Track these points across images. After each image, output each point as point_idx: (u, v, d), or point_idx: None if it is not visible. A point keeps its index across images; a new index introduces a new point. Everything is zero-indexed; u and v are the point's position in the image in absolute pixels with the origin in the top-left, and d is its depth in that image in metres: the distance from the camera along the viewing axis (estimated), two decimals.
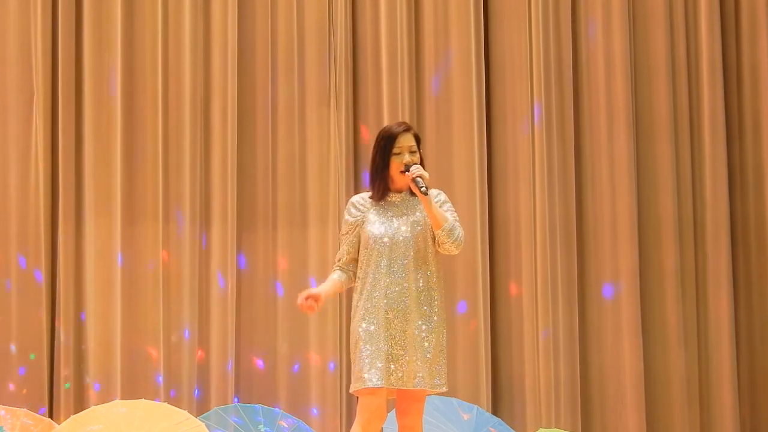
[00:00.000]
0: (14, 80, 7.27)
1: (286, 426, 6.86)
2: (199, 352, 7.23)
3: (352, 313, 5.00)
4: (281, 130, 7.47)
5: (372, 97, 7.53)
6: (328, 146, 7.45)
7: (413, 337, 4.93)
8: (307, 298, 4.94)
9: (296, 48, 7.49)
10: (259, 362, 7.36)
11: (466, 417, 6.93)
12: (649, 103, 7.67)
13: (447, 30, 7.56)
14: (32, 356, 7.15)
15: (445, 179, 7.43)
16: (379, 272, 4.95)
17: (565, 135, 7.53)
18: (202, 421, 6.58)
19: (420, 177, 4.92)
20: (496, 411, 7.36)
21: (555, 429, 7.17)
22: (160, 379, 7.13)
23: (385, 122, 7.37)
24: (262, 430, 6.79)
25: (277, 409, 7.05)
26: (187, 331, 7.20)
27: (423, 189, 4.89)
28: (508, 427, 7.08)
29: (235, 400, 7.21)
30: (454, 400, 7.02)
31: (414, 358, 4.92)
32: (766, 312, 7.66)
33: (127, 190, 7.25)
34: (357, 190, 7.22)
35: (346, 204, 5.13)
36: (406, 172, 4.95)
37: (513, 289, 7.50)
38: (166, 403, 6.68)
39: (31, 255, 7.18)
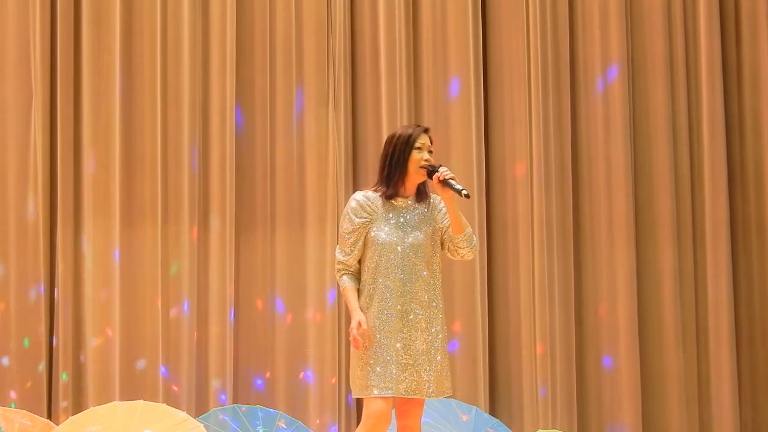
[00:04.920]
0: (13, 81, 7.26)
1: (284, 427, 6.86)
2: (198, 353, 7.22)
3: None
4: (280, 130, 7.47)
5: (370, 98, 7.53)
6: (326, 147, 7.45)
7: (423, 346, 4.94)
8: (360, 334, 4.90)
9: (294, 48, 7.50)
10: (258, 362, 7.36)
11: (464, 418, 6.93)
12: (648, 103, 7.68)
13: (445, 31, 7.57)
14: (29, 351, 7.15)
15: None
16: (390, 279, 4.95)
17: (563, 135, 7.54)
18: (201, 422, 6.58)
19: (453, 179, 4.91)
20: (493, 412, 7.37)
21: (553, 430, 7.18)
22: (159, 379, 7.12)
23: (384, 123, 7.39)
24: (261, 431, 6.79)
25: (275, 410, 7.05)
26: (186, 332, 7.20)
27: (465, 192, 4.86)
28: (507, 428, 7.09)
29: (234, 401, 7.22)
30: (452, 401, 7.02)
31: (425, 367, 4.93)
32: (766, 311, 7.67)
33: (125, 191, 7.25)
34: (355, 191, 7.21)
35: (349, 200, 5.10)
36: (435, 173, 4.94)
37: (510, 289, 7.50)
38: (164, 404, 6.68)
39: (30, 255, 7.17)
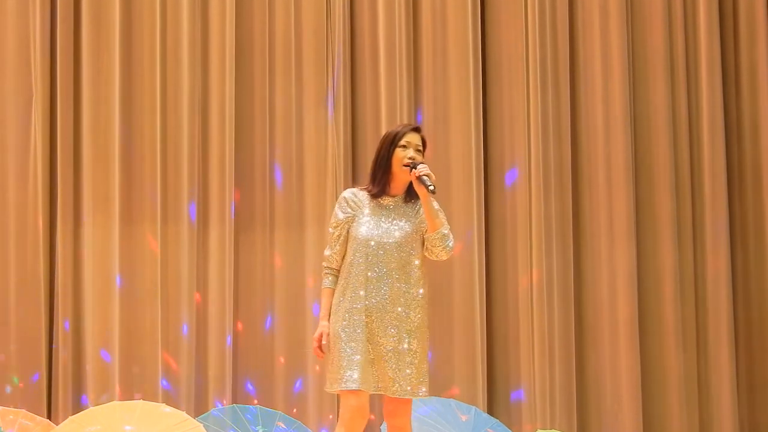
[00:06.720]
0: (13, 81, 7.26)
1: (283, 427, 6.86)
2: (197, 353, 7.23)
3: (333, 310, 5.03)
4: (279, 130, 7.48)
5: (370, 98, 7.53)
6: (325, 147, 7.45)
7: (391, 344, 4.96)
8: (319, 345, 5.01)
9: (294, 48, 7.50)
10: (257, 362, 7.37)
11: (464, 418, 6.93)
12: (647, 103, 7.67)
13: (445, 30, 7.57)
14: (28, 351, 7.15)
15: (443, 178, 7.44)
16: (363, 275, 4.99)
17: (562, 134, 7.54)
18: (200, 422, 6.58)
19: (427, 176, 4.93)
20: (492, 412, 7.36)
21: (553, 430, 7.18)
22: (159, 379, 7.13)
23: (384, 123, 7.39)
24: (260, 431, 6.79)
25: (274, 410, 7.05)
26: (185, 332, 7.20)
27: (431, 188, 4.91)
28: (506, 428, 7.09)
29: (233, 401, 7.23)
30: (452, 401, 7.03)
31: (391, 365, 4.95)
32: (765, 312, 7.67)
33: (125, 191, 7.25)
34: None
35: (338, 197, 5.17)
36: (413, 169, 4.97)
37: (509, 289, 7.50)
38: (164, 404, 6.69)
39: (30, 255, 7.18)
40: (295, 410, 7.26)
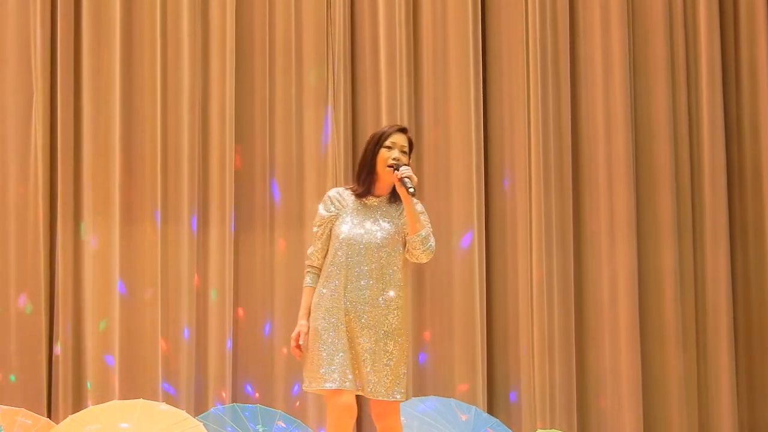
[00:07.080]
0: (13, 81, 7.26)
1: (283, 426, 6.86)
2: (197, 353, 7.22)
3: (312, 309, 5.03)
4: (279, 130, 7.48)
5: (370, 97, 7.54)
6: (325, 146, 7.46)
7: (368, 344, 4.95)
8: (297, 344, 5.02)
9: (294, 48, 7.50)
10: (257, 363, 7.36)
11: (464, 418, 6.93)
12: (648, 102, 7.68)
13: (445, 30, 7.58)
14: (28, 350, 7.15)
15: (443, 177, 7.45)
16: (343, 274, 4.99)
17: (562, 133, 7.54)
18: (200, 421, 6.58)
19: (408, 178, 4.94)
20: (492, 411, 7.36)
21: (553, 430, 7.17)
22: (159, 379, 7.12)
23: (384, 122, 7.39)
24: (260, 430, 6.79)
25: (274, 409, 7.05)
26: (185, 331, 7.20)
27: (411, 190, 4.91)
28: (506, 427, 7.09)
29: (233, 400, 7.22)
30: (452, 400, 7.03)
31: (367, 366, 4.94)
32: (765, 312, 7.67)
33: (125, 191, 7.25)
34: None
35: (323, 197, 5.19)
36: (396, 171, 4.97)
37: (509, 289, 7.50)
38: (164, 403, 6.68)
39: (30, 254, 7.18)
40: (297, 404, 7.25)
